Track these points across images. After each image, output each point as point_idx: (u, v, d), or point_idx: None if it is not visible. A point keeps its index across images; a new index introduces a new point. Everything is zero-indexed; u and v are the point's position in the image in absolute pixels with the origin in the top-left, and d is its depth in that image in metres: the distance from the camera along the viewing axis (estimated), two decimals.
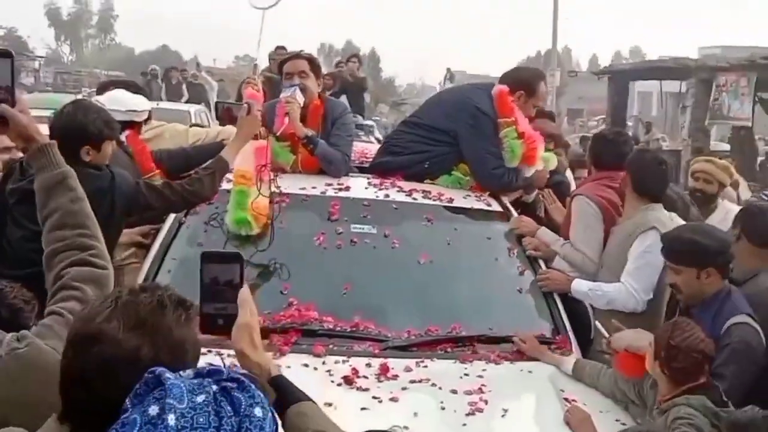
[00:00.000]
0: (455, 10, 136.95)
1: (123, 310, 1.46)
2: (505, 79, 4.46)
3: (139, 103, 4.48)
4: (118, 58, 66.94)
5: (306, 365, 2.98)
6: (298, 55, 4.48)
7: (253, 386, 1.34)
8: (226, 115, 3.98)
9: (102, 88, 4.97)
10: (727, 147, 16.95)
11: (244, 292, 1.84)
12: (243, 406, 1.30)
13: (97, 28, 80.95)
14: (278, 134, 4.07)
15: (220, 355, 1.95)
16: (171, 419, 1.24)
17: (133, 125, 4.35)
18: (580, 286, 3.72)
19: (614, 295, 3.66)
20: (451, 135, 4.28)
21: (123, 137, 4.26)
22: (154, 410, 1.28)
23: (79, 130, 3.37)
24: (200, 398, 1.29)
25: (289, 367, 2.87)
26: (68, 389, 1.45)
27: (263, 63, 9.53)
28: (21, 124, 2.26)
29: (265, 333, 3.05)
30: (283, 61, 4.52)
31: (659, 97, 23.91)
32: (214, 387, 1.31)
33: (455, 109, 4.35)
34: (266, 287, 3.39)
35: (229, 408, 1.30)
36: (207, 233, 3.66)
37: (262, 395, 1.34)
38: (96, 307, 1.48)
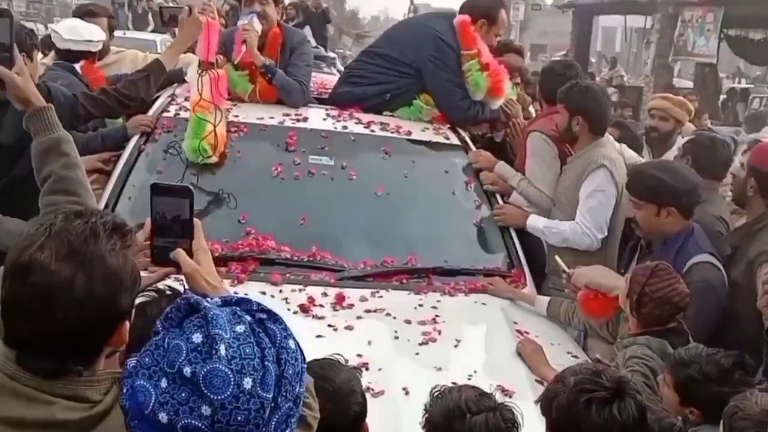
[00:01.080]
0: None
1: (56, 238, 1.40)
2: (465, 8, 4.39)
3: (94, 32, 4.43)
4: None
5: (263, 293, 3.00)
6: None
7: (282, 318, 1.36)
8: (172, 22, 3.93)
9: (78, 14, 4.84)
10: (690, 84, 17.01)
11: (198, 225, 1.83)
12: (279, 338, 1.33)
13: None
14: (236, 62, 4.03)
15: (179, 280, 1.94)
16: (222, 348, 1.26)
17: (88, 55, 4.34)
18: (536, 223, 3.76)
19: (569, 233, 3.69)
20: (414, 67, 4.25)
21: (78, 67, 4.25)
22: (197, 338, 1.29)
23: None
24: (239, 328, 1.31)
25: (246, 294, 2.89)
26: (8, 319, 1.43)
27: None
28: (17, 87, 2.27)
29: (224, 261, 3.11)
30: None
31: (623, 33, 23.86)
32: (249, 318, 1.33)
33: (418, 40, 4.31)
34: (224, 216, 3.40)
35: (266, 339, 1.31)
36: (166, 161, 3.64)
37: (289, 328, 1.36)
38: (31, 235, 1.42)
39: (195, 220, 1.82)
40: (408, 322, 2.98)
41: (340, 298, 3.04)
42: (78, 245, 1.40)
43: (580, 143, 3.82)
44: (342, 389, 2.06)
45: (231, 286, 2.97)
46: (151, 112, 3.95)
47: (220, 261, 3.11)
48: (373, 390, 2.46)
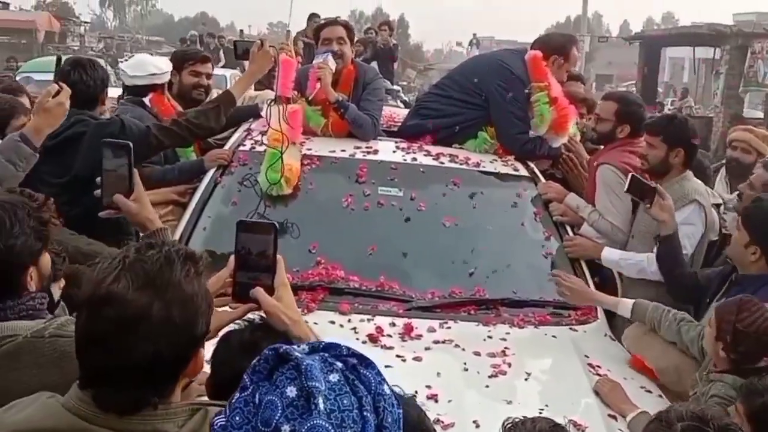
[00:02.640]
0: None
1: (131, 269, 1.43)
2: (537, 43, 4.45)
3: (160, 65, 4.56)
4: (159, 24, 67.80)
5: (332, 322, 3.04)
6: (335, 22, 4.55)
7: (373, 362, 1.31)
8: (245, 56, 4.07)
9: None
10: (760, 114, 16.65)
11: (281, 261, 1.88)
12: (373, 384, 1.28)
13: None
14: (310, 98, 4.15)
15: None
16: (320, 403, 1.21)
17: (155, 87, 4.44)
18: (611, 255, 3.73)
19: (645, 264, 3.65)
20: (483, 98, 4.29)
21: (147, 100, 4.38)
22: (292, 392, 1.24)
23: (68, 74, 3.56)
24: (333, 377, 1.26)
25: (316, 323, 2.92)
26: (84, 354, 1.45)
27: (295, 30, 9.64)
28: (134, 214, 2.37)
29: (294, 290, 3.15)
30: (320, 27, 4.59)
31: (691, 64, 23.50)
32: (340, 365, 1.29)
33: (488, 71, 4.36)
34: (295, 246, 3.45)
35: (362, 387, 1.27)
36: (241, 192, 3.73)
37: (380, 371, 1.31)
38: (105, 268, 1.46)
39: (278, 255, 1.88)
40: (477, 353, 2.97)
41: (408, 329, 3.05)
42: (153, 273, 1.43)
43: (670, 175, 3.81)
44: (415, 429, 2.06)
45: (302, 314, 3.02)
46: (227, 146, 4.08)
47: (292, 290, 3.19)
48: (442, 422, 2.46)
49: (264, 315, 1.88)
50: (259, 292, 1.84)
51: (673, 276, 3.60)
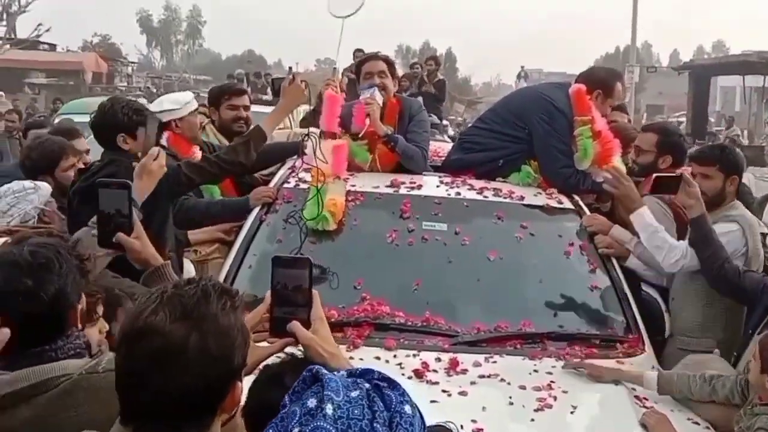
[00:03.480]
0: (532, 8, 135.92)
1: (168, 302, 1.48)
2: (581, 77, 4.46)
3: (178, 99, 4.59)
4: (206, 63, 69.11)
5: (378, 358, 3.06)
6: (376, 56, 4.66)
7: (401, 385, 1.39)
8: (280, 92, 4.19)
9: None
10: None
11: (316, 296, 1.92)
12: (394, 403, 1.35)
13: (185, 34, 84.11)
14: (361, 135, 4.25)
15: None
16: (329, 408, 1.30)
17: (167, 125, 4.42)
18: (644, 218, 3.80)
19: (669, 247, 3.69)
20: (526, 131, 4.31)
21: (164, 140, 4.34)
22: (312, 402, 1.33)
23: (111, 119, 3.60)
24: (354, 393, 1.34)
25: (362, 359, 2.98)
26: (124, 387, 1.49)
27: (342, 66, 9.84)
28: (136, 251, 2.44)
29: (340, 326, 3.20)
30: (361, 62, 4.69)
31: (742, 92, 23.23)
32: (367, 385, 1.37)
33: (531, 105, 4.38)
34: (340, 282, 3.48)
35: (381, 403, 1.34)
36: (285, 230, 3.78)
37: (408, 395, 1.39)
38: (143, 303, 1.51)
39: (314, 290, 1.92)
40: (523, 387, 2.96)
41: (453, 364, 3.06)
42: (191, 307, 1.48)
43: (725, 203, 3.83)
44: None
45: (347, 351, 3.05)
46: (272, 183, 4.16)
47: (336, 326, 3.21)
48: None
49: (301, 349, 1.91)
50: (295, 326, 1.88)
51: (711, 264, 3.57)
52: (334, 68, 5.08)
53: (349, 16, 4.60)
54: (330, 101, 4.24)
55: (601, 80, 4.40)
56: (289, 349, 1.95)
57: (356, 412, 1.31)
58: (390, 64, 4.60)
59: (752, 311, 3.57)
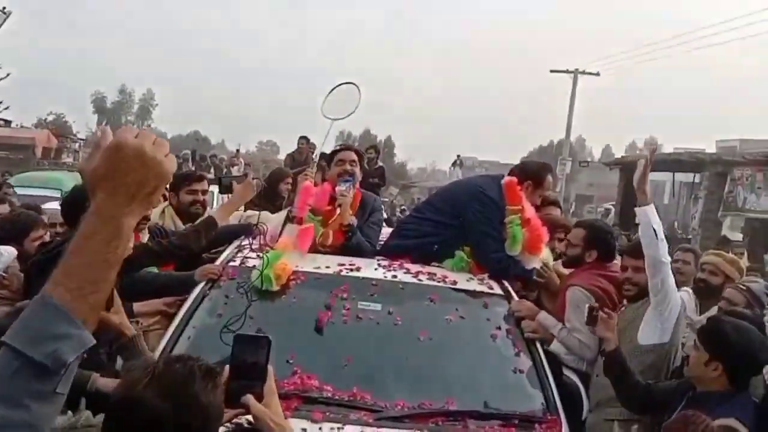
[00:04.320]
0: (470, 98, 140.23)
1: (159, 379, 1.71)
2: (514, 170, 4.78)
3: None
4: (163, 138, 71.16)
5: (304, 430, 3.19)
6: (349, 147, 5.14)
7: None
8: (227, 191, 4.64)
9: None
10: (740, 236, 16.99)
11: (270, 371, 2.11)
12: None
13: (136, 115, 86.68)
14: (319, 215, 4.61)
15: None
16: None
17: None
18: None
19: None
20: (460, 220, 4.59)
21: None
22: None
23: (81, 200, 3.80)
24: None
25: None
26: None
27: (284, 151, 10.93)
28: (113, 324, 2.70)
29: None
30: (336, 151, 5.09)
31: (672, 187, 24.18)
32: None
33: (466, 195, 4.69)
34: (273, 356, 3.62)
35: None
36: (227, 305, 3.94)
37: None
38: (138, 375, 1.73)
39: (269, 366, 2.11)
40: None
41: None
42: (177, 385, 1.71)
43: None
44: None
45: None
46: (218, 261, 4.34)
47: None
48: None
49: (252, 419, 2.10)
50: (249, 398, 2.06)
51: (621, 387, 3.78)
52: (313, 161, 5.51)
53: (340, 119, 5.01)
54: (304, 191, 4.65)
55: (531, 172, 4.74)
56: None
57: None
58: (359, 155, 5.03)
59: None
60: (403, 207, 23.96)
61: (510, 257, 4.47)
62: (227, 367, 2.10)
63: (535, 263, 4.54)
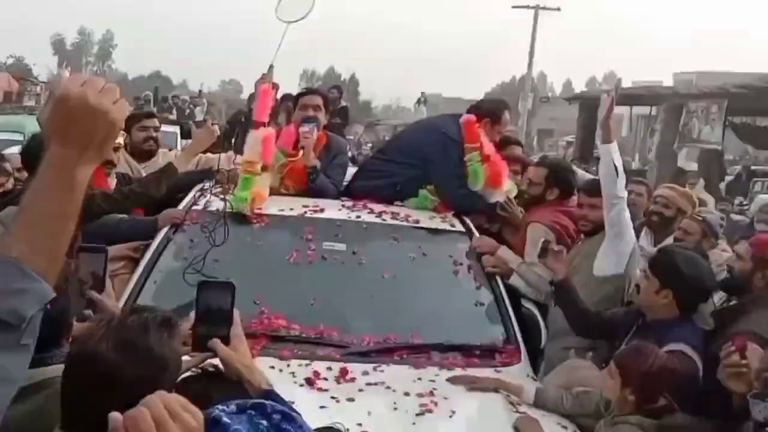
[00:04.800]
0: (434, 37, 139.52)
1: (113, 332, 1.73)
2: (472, 108, 4.87)
3: None
4: (114, 83, 69.62)
5: (272, 367, 3.26)
6: (315, 90, 5.14)
7: (294, 414, 1.51)
8: (189, 135, 4.61)
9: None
10: (695, 167, 17.38)
11: (237, 316, 2.15)
12: None
13: (96, 56, 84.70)
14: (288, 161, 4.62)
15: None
16: None
17: None
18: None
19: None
20: (422, 159, 4.66)
21: None
22: None
23: (40, 148, 3.79)
24: None
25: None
26: (68, 401, 1.74)
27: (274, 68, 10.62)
28: (107, 309, 2.63)
29: None
30: (301, 94, 5.08)
31: (629, 120, 24.49)
32: (264, 422, 1.45)
33: (426, 135, 4.78)
34: (240, 297, 3.68)
35: None
36: (191, 249, 3.98)
37: (305, 423, 1.51)
38: (92, 328, 1.76)
39: (235, 310, 2.15)
40: (407, 394, 3.21)
41: (343, 372, 3.30)
42: (131, 338, 1.74)
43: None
44: None
45: None
46: (181, 206, 4.35)
47: None
48: None
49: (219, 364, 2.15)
50: (215, 342, 2.10)
51: (571, 315, 3.93)
52: (271, 66, 5.43)
53: (296, 21, 4.89)
54: (263, 94, 4.56)
55: (489, 110, 4.82)
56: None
57: None
58: (325, 99, 5.02)
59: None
60: (369, 144, 23.89)
61: (473, 193, 4.57)
62: (192, 312, 2.14)
63: (498, 197, 4.63)
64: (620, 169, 4.14)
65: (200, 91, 26.62)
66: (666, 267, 3.64)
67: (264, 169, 4.39)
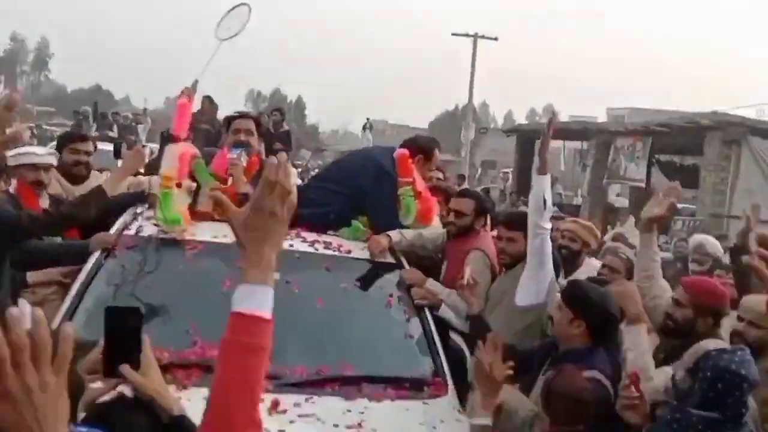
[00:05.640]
0: (381, 65, 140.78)
1: None
2: (406, 143, 5.01)
3: (35, 149, 4.92)
4: (50, 95, 67.25)
5: (205, 398, 3.29)
6: (246, 115, 5.11)
7: None
8: (119, 155, 4.59)
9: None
10: (626, 203, 17.98)
11: (146, 341, 2.17)
12: None
13: (31, 65, 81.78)
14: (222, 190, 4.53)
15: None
16: None
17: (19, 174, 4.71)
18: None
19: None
20: (356, 189, 4.75)
21: (11, 188, 4.67)
22: None
23: None
24: None
25: (189, 399, 3.19)
26: None
27: (223, 89, 10.28)
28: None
29: (170, 368, 3.43)
30: (232, 118, 5.06)
31: (564, 155, 25.20)
32: None
33: (362, 166, 4.88)
34: (173, 326, 3.72)
35: None
36: (123, 275, 3.96)
37: None
38: None
39: (144, 336, 2.17)
40: (336, 425, 3.28)
41: (275, 404, 3.33)
42: None
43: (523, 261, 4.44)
44: None
45: (176, 391, 3.28)
46: (113, 230, 4.33)
47: (167, 368, 3.44)
48: None
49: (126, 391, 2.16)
50: (126, 368, 2.12)
51: None
52: (196, 80, 5.44)
53: (231, 37, 4.92)
54: (180, 108, 4.59)
55: (422, 146, 5.01)
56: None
57: None
58: (258, 123, 5.03)
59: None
60: (316, 170, 23.75)
61: (404, 227, 4.69)
62: (101, 339, 2.09)
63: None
64: (549, 201, 4.32)
65: (145, 108, 26.03)
66: (578, 298, 3.80)
67: (179, 186, 4.43)
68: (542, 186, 4.30)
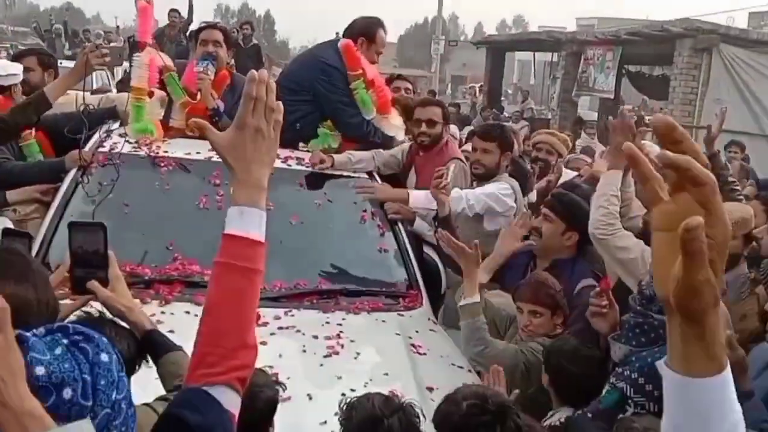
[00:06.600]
0: None
1: None
2: (346, 32, 4.86)
3: (5, 67, 4.76)
4: (24, 15, 65.31)
5: (188, 312, 3.37)
6: (213, 26, 4.99)
7: (96, 336, 1.52)
8: None
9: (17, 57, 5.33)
10: (595, 116, 17.97)
11: (113, 257, 2.18)
12: (91, 354, 1.48)
13: None
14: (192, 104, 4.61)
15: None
16: (40, 370, 1.40)
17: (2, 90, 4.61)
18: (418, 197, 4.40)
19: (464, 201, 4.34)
20: (311, 93, 4.68)
21: None
22: None
23: None
24: (57, 351, 1.46)
25: (173, 313, 3.30)
26: None
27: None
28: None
29: (152, 284, 3.51)
30: (199, 29, 4.97)
31: (535, 67, 25.00)
32: (65, 341, 1.48)
33: (307, 67, 4.78)
34: (154, 243, 3.78)
35: (81, 356, 1.47)
36: (101, 193, 3.94)
37: (106, 342, 1.52)
38: None
39: (109, 252, 2.20)
40: (315, 337, 3.39)
41: (256, 317, 3.45)
42: None
43: (498, 175, 4.54)
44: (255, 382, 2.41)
45: (159, 306, 3.38)
46: (87, 148, 4.30)
47: (149, 284, 3.53)
48: (281, 396, 2.87)
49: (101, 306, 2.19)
50: (93, 284, 2.16)
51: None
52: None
53: None
54: (142, 12, 4.51)
55: (362, 29, 4.80)
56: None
57: (66, 366, 1.44)
58: (226, 34, 4.90)
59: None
60: None
61: (369, 122, 4.67)
62: (68, 255, 2.16)
63: (394, 131, 4.78)
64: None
65: (117, 26, 25.29)
66: (571, 208, 3.86)
67: (150, 95, 4.41)
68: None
